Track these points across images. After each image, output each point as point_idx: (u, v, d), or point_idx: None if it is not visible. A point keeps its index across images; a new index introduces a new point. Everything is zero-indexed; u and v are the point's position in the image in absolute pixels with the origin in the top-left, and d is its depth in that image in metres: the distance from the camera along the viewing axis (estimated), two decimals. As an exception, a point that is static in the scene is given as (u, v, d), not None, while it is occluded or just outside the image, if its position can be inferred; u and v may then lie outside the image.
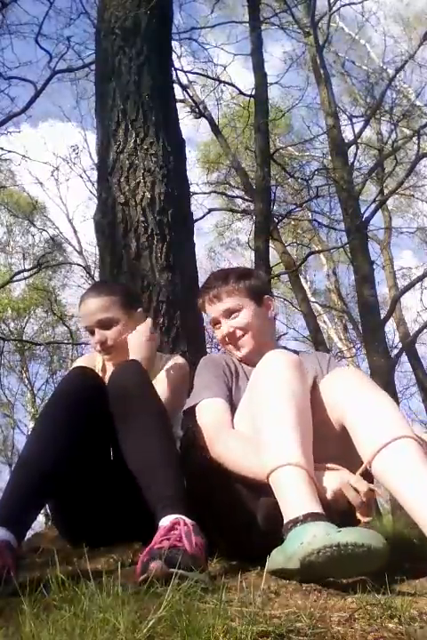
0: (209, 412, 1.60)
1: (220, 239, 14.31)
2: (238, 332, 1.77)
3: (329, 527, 1.11)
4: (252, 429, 1.41)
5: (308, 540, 1.08)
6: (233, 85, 9.05)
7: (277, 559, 1.17)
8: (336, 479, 1.31)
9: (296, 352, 1.83)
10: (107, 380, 1.76)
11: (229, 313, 1.77)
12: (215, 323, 1.82)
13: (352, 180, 8.70)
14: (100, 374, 1.88)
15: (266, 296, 1.84)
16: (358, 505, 1.28)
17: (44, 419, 1.48)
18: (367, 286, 8.16)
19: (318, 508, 1.18)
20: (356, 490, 1.29)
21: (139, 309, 1.95)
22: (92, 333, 1.90)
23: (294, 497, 1.21)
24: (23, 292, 14.28)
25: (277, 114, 9.50)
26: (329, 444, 1.41)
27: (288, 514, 1.20)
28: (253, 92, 7.54)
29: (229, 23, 9.08)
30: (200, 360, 1.83)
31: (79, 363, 1.98)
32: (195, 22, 11.70)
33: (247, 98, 8.51)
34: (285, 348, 1.95)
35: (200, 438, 1.57)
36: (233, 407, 1.63)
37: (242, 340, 1.77)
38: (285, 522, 1.19)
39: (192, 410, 1.65)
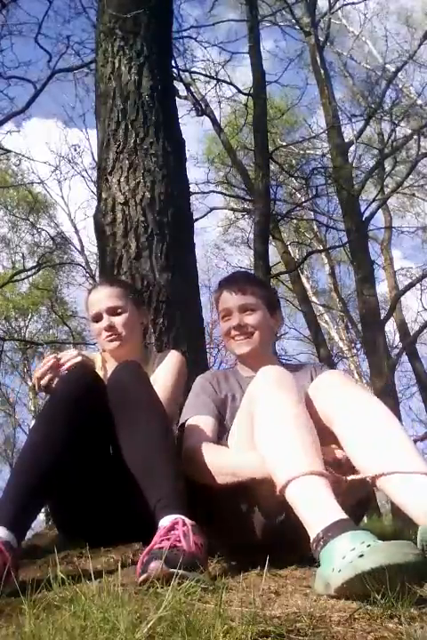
0: (192, 431, 1.65)
1: (223, 237, 14.34)
2: (250, 328, 1.82)
3: (356, 537, 1.04)
4: (248, 443, 1.42)
5: (338, 564, 1.01)
6: (232, 84, 9.01)
7: (318, 587, 1.10)
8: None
9: (287, 363, 1.90)
10: (106, 378, 1.76)
11: (244, 308, 1.83)
12: (227, 314, 1.86)
13: (352, 179, 8.70)
14: (100, 373, 1.86)
15: (278, 310, 1.95)
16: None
17: (44, 418, 1.48)
18: (367, 286, 8.18)
19: (338, 514, 1.12)
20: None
21: (143, 307, 2.06)
22: (99, 320, 1.91)
23: (312, 510, 1.16)
24: (27, 291, 14.20)
25: (276, 112, 9.48)
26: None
27: (312, 530, 1.14)
28: (252, 91, 7.50)
29: (227, 21, 9.05)
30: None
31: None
32: (192, 20, 11.74)
33: (247, 97, 8.46)
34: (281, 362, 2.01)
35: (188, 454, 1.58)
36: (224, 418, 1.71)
37: (250, 336, 1.82)
38: (310, 540, 1.13)
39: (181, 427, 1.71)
